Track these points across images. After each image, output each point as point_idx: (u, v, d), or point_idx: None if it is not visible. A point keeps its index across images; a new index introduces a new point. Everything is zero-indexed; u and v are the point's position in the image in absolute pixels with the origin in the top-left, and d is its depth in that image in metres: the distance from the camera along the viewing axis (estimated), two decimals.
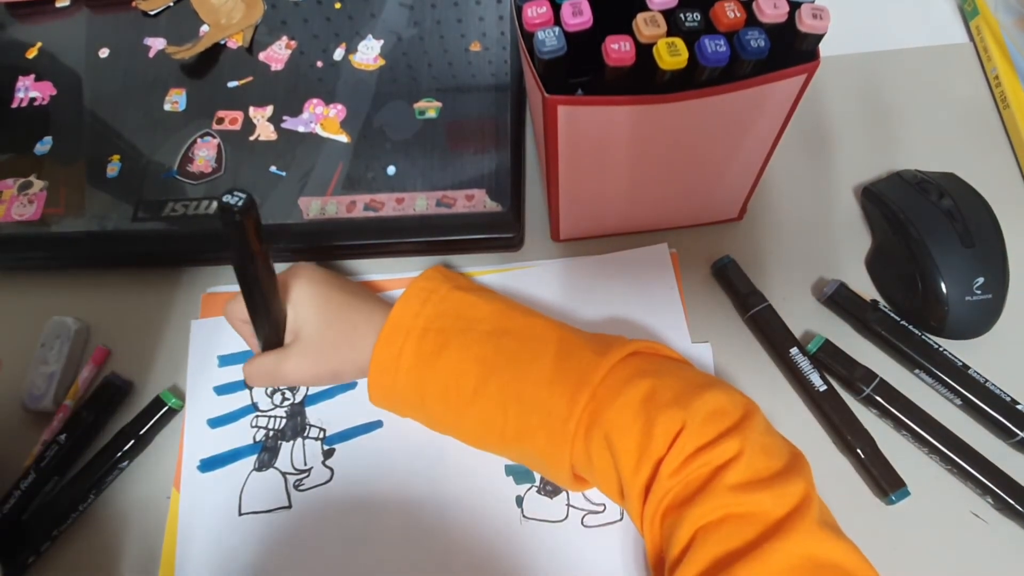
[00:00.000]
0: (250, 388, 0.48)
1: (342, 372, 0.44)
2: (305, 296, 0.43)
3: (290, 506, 0.45)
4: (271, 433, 0.47)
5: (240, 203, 0.35)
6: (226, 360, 0.49)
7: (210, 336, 0.49)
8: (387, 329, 0.41)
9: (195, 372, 0.48)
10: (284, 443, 0.46)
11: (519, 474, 0.44)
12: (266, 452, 0.46)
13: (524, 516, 0.44)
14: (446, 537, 0.43)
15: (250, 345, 0.46)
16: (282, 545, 0.44)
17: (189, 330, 0.50)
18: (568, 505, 0.44)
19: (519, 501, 0.44)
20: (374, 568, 0.43)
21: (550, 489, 0.44)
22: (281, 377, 0.43)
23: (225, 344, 0.49)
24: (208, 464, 0.46)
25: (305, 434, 0.47)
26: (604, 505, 0.44)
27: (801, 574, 0.31)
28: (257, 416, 0.47)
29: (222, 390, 0.48)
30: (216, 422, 0.47)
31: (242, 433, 0.47)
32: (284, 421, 0.47)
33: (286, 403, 0.47)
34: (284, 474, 0.46)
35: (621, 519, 0.43)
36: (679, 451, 0.34)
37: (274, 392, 0.48)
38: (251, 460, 0.46)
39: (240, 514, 0.45)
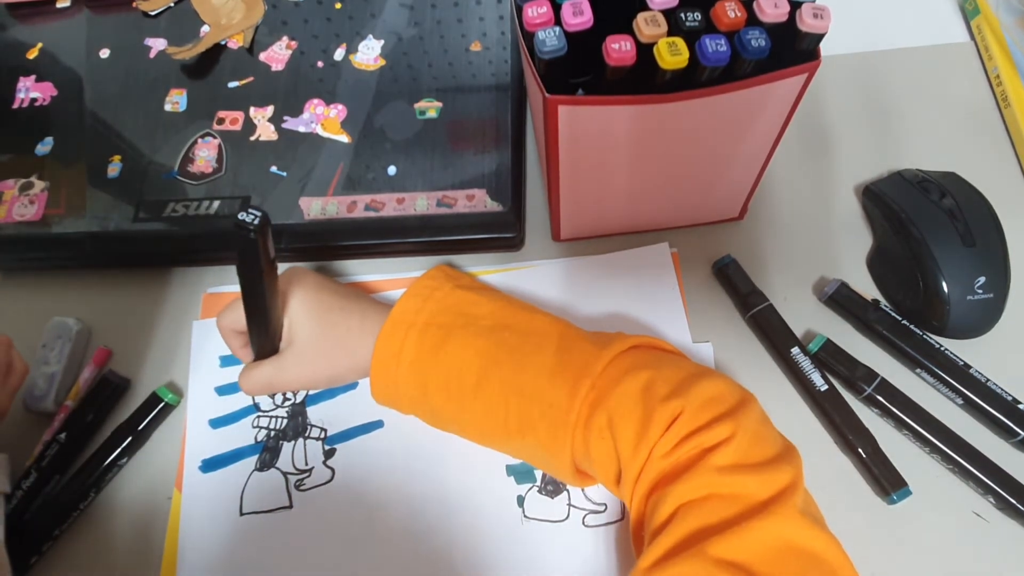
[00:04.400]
0: None
1: (339, 376, 0.44)
2: (298, 302, 0.43)
3: (291, 506, 0.45)
4: (272, 433, 0.47)
5: (256, 221, 0.36)
6: (227, 360, 0.49)
7: (212, 336, 0.49)
8: (389, 324, 0.42)
9: (197, 372, 0.49)
10: (285, 443, 0.46)
11: (520, 474, 0.44)
12: (267, 452, 0.46)
13: (525, 516, 0.44)
14: (447, 537, 0.43)
15: (239, 355, 0.46)
16: (283, 545, 0.44)
17: (190, 330, 0.50)
18: (569, 505, 0.44)
19: (520, 501, 0.44)
20: (375, 568, 0.43)
21: (551, 489, 0.44)
22: (279, 385, 0.44)
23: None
24: (209, 464, 0.46)
25: (306, 434, 0.47)
26: (605, 504, 0.44)
27: (776, 555, 0.32)
28: (259, 416, 0.47)
29: (223, 390, 0.48)
30: (217, 422, 0.47)
31: (243, 433, 0.47)
32: (285, 421, 0.47)
33: (287, 403, 0.47)
34: (285, 474, 0.46)
35: (622, 519, 0.43)
36: (673, 434, 0.35)
37: (274, 393, 0.48)
38: (252, 460, 0.46)
39: (241, 514, 0.45)
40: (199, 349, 0.49)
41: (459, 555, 0.43)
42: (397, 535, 0.43)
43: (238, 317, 0.42)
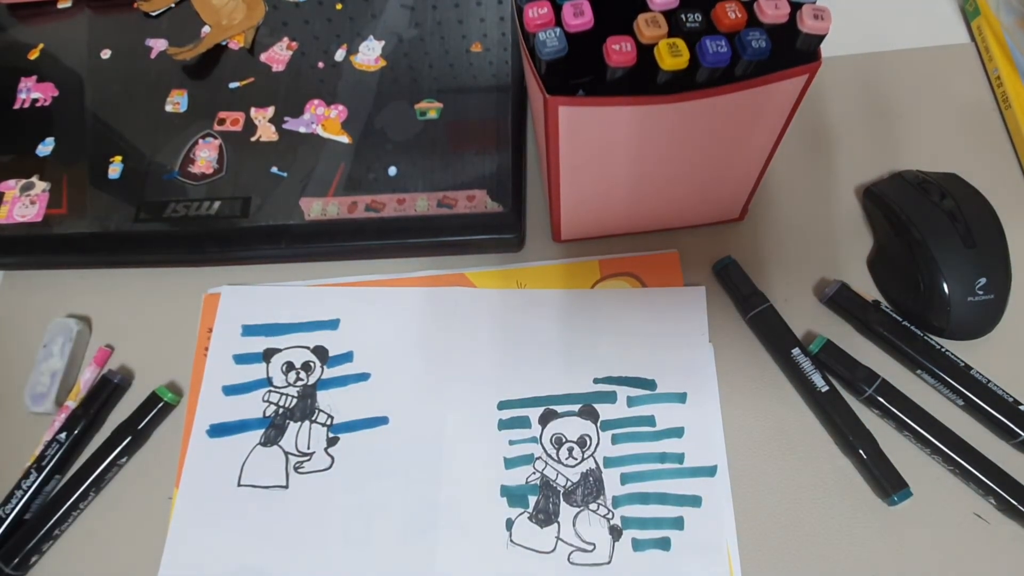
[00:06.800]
0: (267, 362, 0.48)
1: None
2: None
3: (287, 487, 0.45)
4: (280, 411, 0.47)
5: None
6: (249, 330, 0.49)
7: (239, 304, 0.50)
8: None
9: (219, 338, 0.49)
10: (292, 423, 0.47)
11: (514, 497, 0.44)
12: (273, 428, 0.47)
13: (511, 541, 0.43)
14: (430, 546, 0.43)
15: None
16: (272, 523, 0.44)
17: (200, 306, 0.50)
18: (558, 538, 0.43)
19: (509, 524, 0.43)
20: (356, 562, 0.43)
21: (542, 518, 0.43)
22: None
23: (251, 314, 0.49)
24: (217, 430, 0.47)
25: (313, 418, 0.47)
26: (594, 544, 0.43)
27: None
28: (270, 391, 0.48)
29: (241, 359, 0.49)
30: (230, 390, 0.48)
31: (253, 405, 0.47)
32: (295, 401, 0.47)
33: (299, 383, 0.48)
34: (287, 454, 0.46)
35: (609, 562, 0.42)
36: None
37: (289, 370, 0.48)
38: (258, 434, 0.47)
39: (239, 485, 0.45)
40: (225, 315, 0.50)
41: (438, 566, 0.42)
42: (383, 535, 0.43)
43: None
